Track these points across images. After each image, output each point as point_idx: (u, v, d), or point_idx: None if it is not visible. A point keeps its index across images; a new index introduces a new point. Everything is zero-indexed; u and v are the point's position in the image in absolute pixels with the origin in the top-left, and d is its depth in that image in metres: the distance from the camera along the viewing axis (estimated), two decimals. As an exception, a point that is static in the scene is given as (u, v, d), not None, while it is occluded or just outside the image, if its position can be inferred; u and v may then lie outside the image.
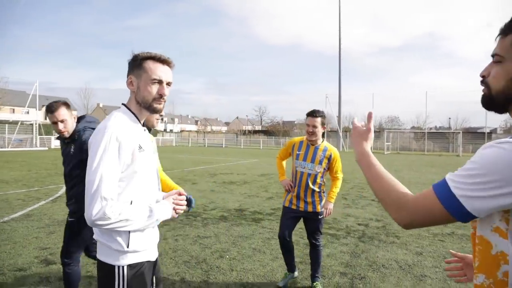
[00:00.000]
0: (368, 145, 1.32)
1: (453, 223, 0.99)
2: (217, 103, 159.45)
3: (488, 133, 46.58)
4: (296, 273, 3.93)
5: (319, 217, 3.65)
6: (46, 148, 31.71)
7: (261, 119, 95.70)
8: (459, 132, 40.43)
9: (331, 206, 3.65)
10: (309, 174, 3.61)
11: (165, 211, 1.70)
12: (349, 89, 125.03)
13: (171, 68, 1.74)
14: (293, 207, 3.70)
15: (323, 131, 3.59)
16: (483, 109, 1.12)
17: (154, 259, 1.79)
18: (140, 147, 1.63)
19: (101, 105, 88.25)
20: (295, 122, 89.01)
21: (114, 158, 1.53)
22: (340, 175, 3.70)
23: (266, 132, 68.92)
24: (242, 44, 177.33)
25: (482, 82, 1.08)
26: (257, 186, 10.80)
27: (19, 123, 32.54)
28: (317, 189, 3.63)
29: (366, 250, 4.88)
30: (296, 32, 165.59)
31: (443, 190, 0.97)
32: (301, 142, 3.72)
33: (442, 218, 0.98)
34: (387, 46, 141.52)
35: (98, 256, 1.68)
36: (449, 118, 67.25)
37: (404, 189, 1.10)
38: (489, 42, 1.09)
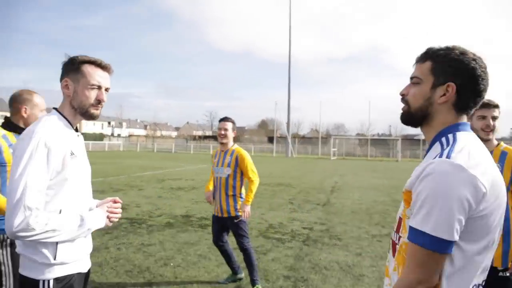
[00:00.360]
0: None
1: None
2: (167, 108, 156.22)
3: (423, 139, 49.94)
4: (240, 275, 4.00)
5: (235, 220, 3.74)
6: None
7: (212, 125, 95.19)
8: (398, 139, 42.90)
9: (247, 208, 3.74)
10: (221, 178, 3.82)
11: (98, 220, 1.65)
12: (298, 97, 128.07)
13: (110, 74, 1.71)
14: (217, 214, 3.89)
15: (234, 135, 3.91)
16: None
17: (85, 271, 1.72)
18: (72, 153, 1.57)
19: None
20: (246, 128, 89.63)
21: (42, 165, 1.45)
22: (253, 177, 3.81)
23: (216, 137, 68.63)
24: (194, 49, 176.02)
25: (402, 100, 1.26)
26: (206, 191, 10.71)
27: None
28: (230, 193, 3.78)
29: (310, 253, 5.03)
30: (247, 39, 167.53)
31: (426, 240, 1.04)
32: (217, 152, 4.01)
33: (440, 260, 1.06)
34: (334, 57, 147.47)
35: (20, 270, 1.56)
36: (390, 126, 71.42)
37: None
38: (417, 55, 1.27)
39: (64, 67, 1.65)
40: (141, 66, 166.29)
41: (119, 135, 78.92)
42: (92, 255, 4.86)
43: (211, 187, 4.07)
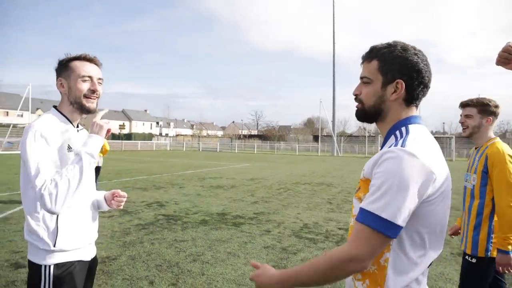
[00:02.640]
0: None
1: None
2: (213, 108, 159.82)
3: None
4: None
5: None
6: (39, 152, 31.45)
7: (257, 124, 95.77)
8: (452, 137, 40.57)
9: None
10: None
11: (95, 139, 1.65)
12: (344, 94, 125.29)
13: (98, 66, 1.77)
14: None
15: None
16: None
17: (88, 259, 1.78)
18: (69, 148, 1.64)
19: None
20: (291, 127, 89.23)
21: (43, 149, 1.55)
22: None
23: (262, 136, 68.95)
24: (236, 49, 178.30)
25: (356, 99, 1.31)
26: (244, 190, 10.77)
27: (11, 126, 32.37)
28: None
29: (342, 254, 4.86)
30: (288, 38, 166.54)
31: (373, 220, 1.07)
32: None
33: (382, 243, 1.09)
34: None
35: (28, 256, 1.67)
36: (443, 123, 67.74)
37: (327, 253, 1.15)
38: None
39: (56, 70, 1.74)
40: (186, 67, 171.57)
41: (167, 135, 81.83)
42: (127, 249, 5.06)
43: None
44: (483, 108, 2.48)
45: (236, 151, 46.37)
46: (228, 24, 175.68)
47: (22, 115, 48.23)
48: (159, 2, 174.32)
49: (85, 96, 1.70)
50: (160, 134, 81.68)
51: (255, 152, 44.75)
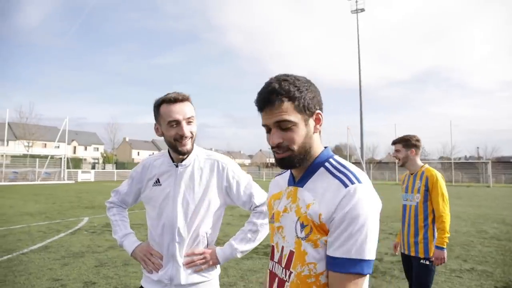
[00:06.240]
0: None
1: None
2: (239, 137, 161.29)
3: (522, 163, 44.58)
4: None
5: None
6: (73, 181, 32.68)
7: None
8: (488, 162, 38.93)
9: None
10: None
11: (126, 245, 1.99)
12: (370, 121, 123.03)
13: (184, 102, 1.67)
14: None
15: None
16: None
17: None
18: (156, 182, 1.89)
19: (127, 139, 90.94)
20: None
21: (128, 181, 2.13)
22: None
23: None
24: (258, 80, 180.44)
25: (278, 148, 1.15)
26: (274, 219, 10.70)
27: (49, 157, 33.88)
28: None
29: (377, 286, 4.73)
30: (308, 68, 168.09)
31: (361, 266, 1.03)
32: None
33: (365, 283, 1.08)
34: (396, 80, 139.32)
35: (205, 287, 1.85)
36: (477, 148, 65.13)
37: None
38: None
39: (154, 113, 1.73)
40: (212, 98, 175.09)
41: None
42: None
43: None
44: (406, 143, 3.17)
45: (264, 179, 46.25)
46: (249, 57, 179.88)
47: (58, 147, 50.39)
48: (185, 38, 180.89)
49: (176, 140, 1.67)
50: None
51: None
